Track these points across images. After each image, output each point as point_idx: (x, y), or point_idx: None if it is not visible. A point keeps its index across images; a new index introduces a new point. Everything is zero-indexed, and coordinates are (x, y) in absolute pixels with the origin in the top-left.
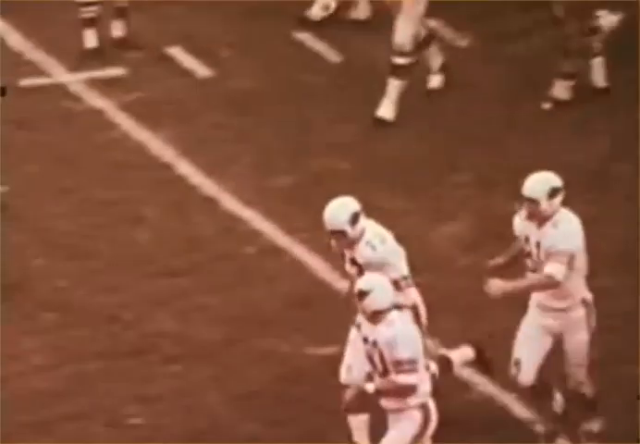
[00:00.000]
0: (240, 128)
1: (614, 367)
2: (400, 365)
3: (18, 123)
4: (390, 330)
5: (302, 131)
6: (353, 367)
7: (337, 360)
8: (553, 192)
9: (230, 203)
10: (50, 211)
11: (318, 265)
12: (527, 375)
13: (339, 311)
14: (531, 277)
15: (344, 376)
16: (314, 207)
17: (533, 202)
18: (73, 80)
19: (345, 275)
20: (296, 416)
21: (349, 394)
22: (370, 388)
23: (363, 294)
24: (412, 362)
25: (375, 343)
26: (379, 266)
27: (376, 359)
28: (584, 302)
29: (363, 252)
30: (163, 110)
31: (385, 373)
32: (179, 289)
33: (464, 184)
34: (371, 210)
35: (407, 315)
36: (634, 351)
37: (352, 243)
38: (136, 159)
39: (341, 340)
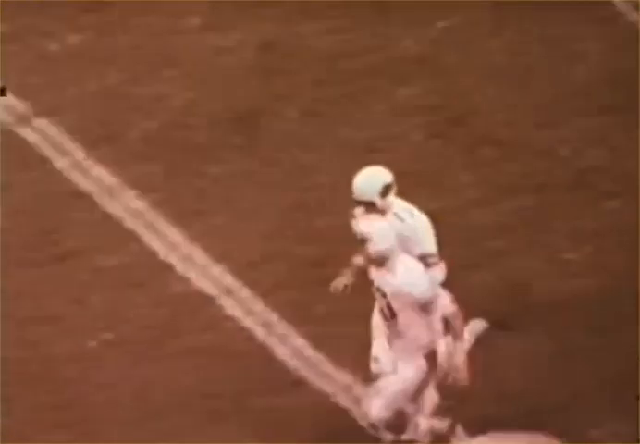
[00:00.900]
0: None
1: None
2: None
3: None
4: (395, 279)
5: None
6: (380, 357)
7: None
8: None
9: None
10: None
11: None
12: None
13: None
14: None
15: (373, 367)
16: None
17: None
18: None
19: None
20: None
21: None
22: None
23: (364, 236)
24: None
25: (378, 289)
26: (404, 240)
27: (384, 305)
28: None
29: (390, 223)
30: None
31: (392, 317)
32: (617, 125)
33: None
34: None
35: (413, 260)
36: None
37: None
38: None
39: None
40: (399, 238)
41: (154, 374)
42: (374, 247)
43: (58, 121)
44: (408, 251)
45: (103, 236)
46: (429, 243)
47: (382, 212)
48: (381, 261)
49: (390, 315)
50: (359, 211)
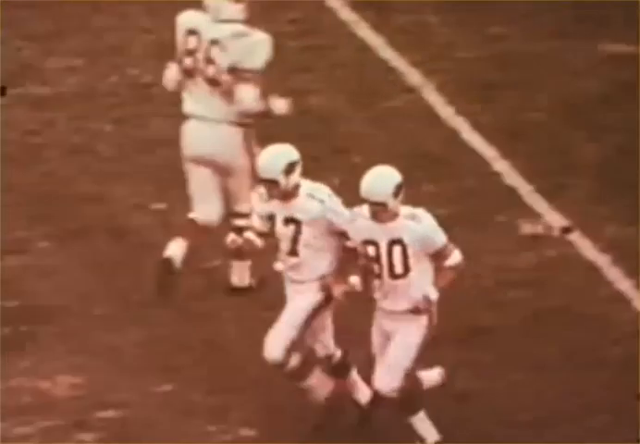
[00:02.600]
0: None
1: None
2: (444, 251)
3: None
4: (420, 226)
5: None
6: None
7: None
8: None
9: None
10: None
11: None
12: None
13: None
14: None
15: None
16: None
17: None
18: None
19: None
20: None
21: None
22: (434, 293)
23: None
24: (448, 242)
25: (393, 242)
26: (325, 222)
27: (396, 260)
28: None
29: (307, 207)
30: None
31: (405, 271)
32: None
33: None
34: None
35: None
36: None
37: (287, 197)
38: None
39: None
40: (321, 220)
41: None
42: (375, 195)
43: None
44: None
45: None
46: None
47: (287, 194)
48: (380, 210)
49: (404, 270)
50: (261, 189)
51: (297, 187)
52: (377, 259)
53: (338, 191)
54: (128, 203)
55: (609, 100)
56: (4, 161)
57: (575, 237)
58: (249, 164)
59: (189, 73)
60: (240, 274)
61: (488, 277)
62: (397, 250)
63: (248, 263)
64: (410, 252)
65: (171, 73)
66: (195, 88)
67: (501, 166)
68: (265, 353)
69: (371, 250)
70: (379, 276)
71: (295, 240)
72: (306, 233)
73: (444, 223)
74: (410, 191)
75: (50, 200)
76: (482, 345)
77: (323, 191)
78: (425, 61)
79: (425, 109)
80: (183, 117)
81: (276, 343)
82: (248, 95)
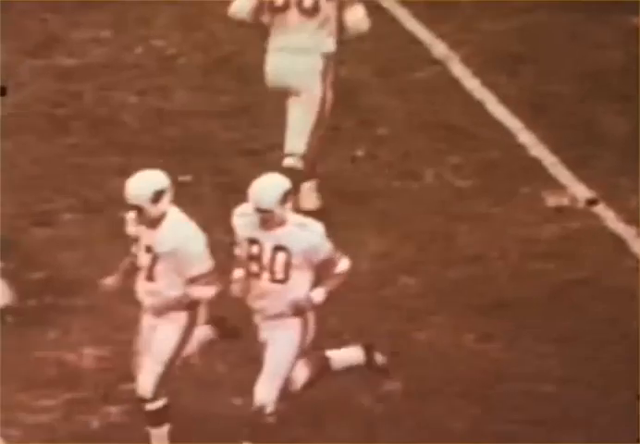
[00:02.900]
0: None
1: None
2: (331, 260)
3: None
4: (308, 236)
5: None
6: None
7: None
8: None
9: None
10: None
11: None
12: None
13: None
14: None
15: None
16: None
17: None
18: None
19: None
20: None
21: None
22: (319, 295)
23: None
24: (334, 251)
25: (278, 249)
26: (183, 258)
27: (278, 266)
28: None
29: (165, 239)
30: None
31: (285, 278)
32: None
33: None
34: None
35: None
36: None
37: (152, 224)
38: None
39: None
40: (177, 255)
41: None
42: (262, 202)
43: None
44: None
45: None
46: (205, 261)
47: (154, 221)
48: (268, 218)
49: (284, 278)
50: (131, 215)
51: (163, 216)
52: (258, 259)
53: (362, 162)
54: None
55: (635, 72)
56: (30, 132)
57: (600, 209)
58: (321, 95)
59: (280, 8)
60: None
61: (513, 249)
62: (280, 256)
63: None
64: (293, 260)
65: (245, 1)
66: (285, 22)
67: (526, 137)
68: (137, 388)
69: (254, 249)
70: (258, 276)
71: (152, 268)
72: (161, 264)
73: (469, 195)
74: (434, 163)
75: (75, 172)
76: (506, 316)
77: (187, 226)
78: (451, 33)
79: (451, 81)
80: (208, 89)
81: (146, 380)
82: (360, 14)
